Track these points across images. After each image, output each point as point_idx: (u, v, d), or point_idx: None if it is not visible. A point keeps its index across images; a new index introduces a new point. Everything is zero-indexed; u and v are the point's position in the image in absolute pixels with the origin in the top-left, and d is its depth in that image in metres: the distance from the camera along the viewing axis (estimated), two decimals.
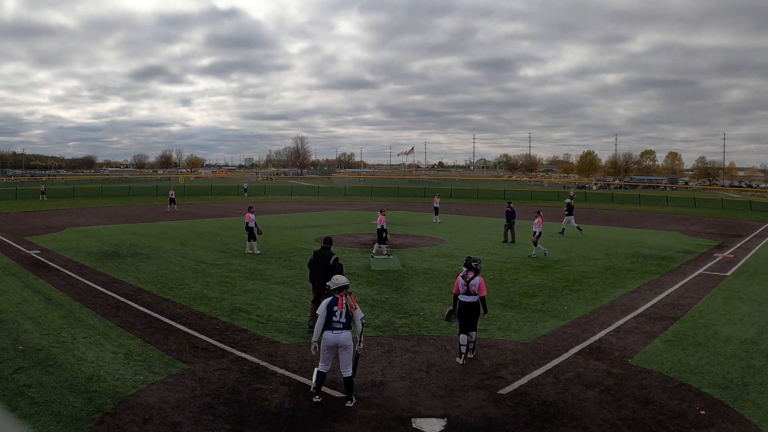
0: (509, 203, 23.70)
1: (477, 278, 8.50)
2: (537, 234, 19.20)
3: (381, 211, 19.72)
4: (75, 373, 7.70)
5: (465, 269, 8.62)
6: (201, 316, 10.94)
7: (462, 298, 8.51)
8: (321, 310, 6.90)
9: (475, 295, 8.47)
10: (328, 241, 10.75)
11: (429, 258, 18.29)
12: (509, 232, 22.58)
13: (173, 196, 40.01)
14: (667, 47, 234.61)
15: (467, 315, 8.45)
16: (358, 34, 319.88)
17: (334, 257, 10.20)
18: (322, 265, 10.08)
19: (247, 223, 18.68)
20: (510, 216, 22.58)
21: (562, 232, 25.13)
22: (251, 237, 18.68)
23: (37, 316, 10.63)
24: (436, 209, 32.69)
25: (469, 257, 8.78)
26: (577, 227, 25.05)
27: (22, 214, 33.21)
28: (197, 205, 44.39)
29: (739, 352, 9.01)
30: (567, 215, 25.33)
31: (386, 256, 17.51)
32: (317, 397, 6.94)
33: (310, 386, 7.21)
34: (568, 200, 27.36)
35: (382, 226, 18.93)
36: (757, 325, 10.69)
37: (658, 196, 66.53)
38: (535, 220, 19.69)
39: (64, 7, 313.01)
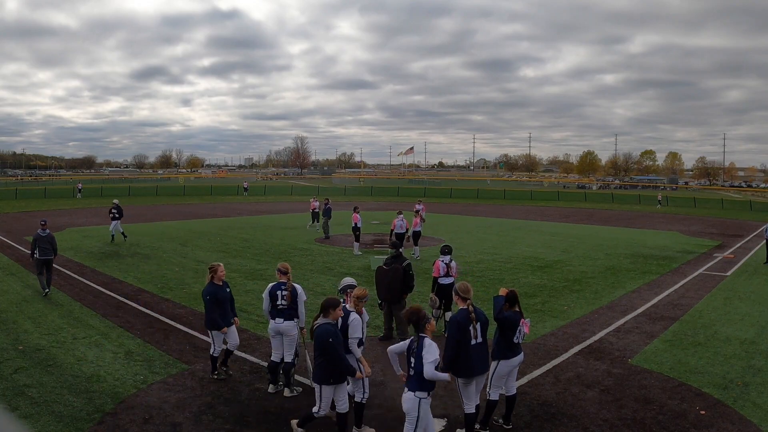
0: (327, 199, 25.23)
1: (454, 261, 9.95)
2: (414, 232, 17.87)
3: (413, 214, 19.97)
4: (75, 373, 7.71)
5: (447, 256, 9.90)
6: (201, 316, 10.88)
7: (442, 280, 9.79)
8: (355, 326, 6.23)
9: (452, 276, 9.77)
10: (396, 246, 9.89)
11: (429, 258, 18.27)
12: (326, 226, 24.41)
13: (317, 209, 26.63)
14: (665, 48, 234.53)
15: (446, 295, 9.64)
16: (358, 35, 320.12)
17: (406, 262, 9.41)
18: (397, 277, 9.12)
19: (356, 224, 19.04)
20: (326, 213, 24.46)
21: (112, 239, 21.34)
22: (357, 237, 19.05)
23: (37, 316, 10.63)
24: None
25: (447, 245, 10.17)
26: (122, 233, 21.58)
27: (22, 214, 33.20)
28: (197, 205, 44.38)
29: (739, 352, 9.01)
30: (113, 220, 21.49)
31: (417, 257, 17.86)
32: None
33: (310, 386, 7.21)
34: (115, 200, 22.82)
35: (410, 229, 19.02)
36: (757, 325, 10.69)
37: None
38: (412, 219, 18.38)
39: (67, 8, 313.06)
